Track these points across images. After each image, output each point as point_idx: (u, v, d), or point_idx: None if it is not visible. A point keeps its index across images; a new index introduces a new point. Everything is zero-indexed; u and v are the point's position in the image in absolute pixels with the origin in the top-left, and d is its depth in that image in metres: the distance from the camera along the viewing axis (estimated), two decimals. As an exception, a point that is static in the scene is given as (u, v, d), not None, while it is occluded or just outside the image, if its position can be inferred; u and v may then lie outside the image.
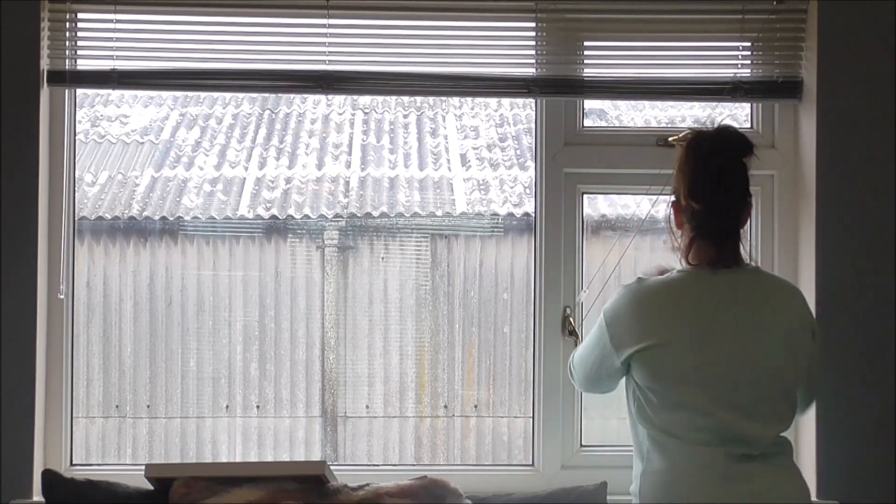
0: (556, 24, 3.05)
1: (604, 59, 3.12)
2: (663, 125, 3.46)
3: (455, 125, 4.30)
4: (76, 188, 3.16)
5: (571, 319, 3.10)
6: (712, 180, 2.52)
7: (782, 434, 2.54)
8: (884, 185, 3.03)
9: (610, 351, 2.56)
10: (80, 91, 3.17)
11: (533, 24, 3.06)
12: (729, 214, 2.54)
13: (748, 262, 2.60)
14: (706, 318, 2.51)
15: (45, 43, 2.99)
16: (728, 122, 3.25)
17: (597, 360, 2.62)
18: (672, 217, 2.63)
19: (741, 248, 2.59)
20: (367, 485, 2.43)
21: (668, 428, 2.49)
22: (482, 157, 4.18)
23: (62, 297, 3.05)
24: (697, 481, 2.45)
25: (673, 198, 2.62)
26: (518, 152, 4.21)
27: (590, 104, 3.23)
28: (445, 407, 3.74)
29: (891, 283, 3.02)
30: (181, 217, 3.88)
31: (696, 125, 3.11)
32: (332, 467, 2.55)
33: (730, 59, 3.09)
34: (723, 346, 2.48)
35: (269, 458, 3.74)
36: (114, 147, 4.15)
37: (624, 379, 2.62)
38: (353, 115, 4.25)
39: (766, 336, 2.50)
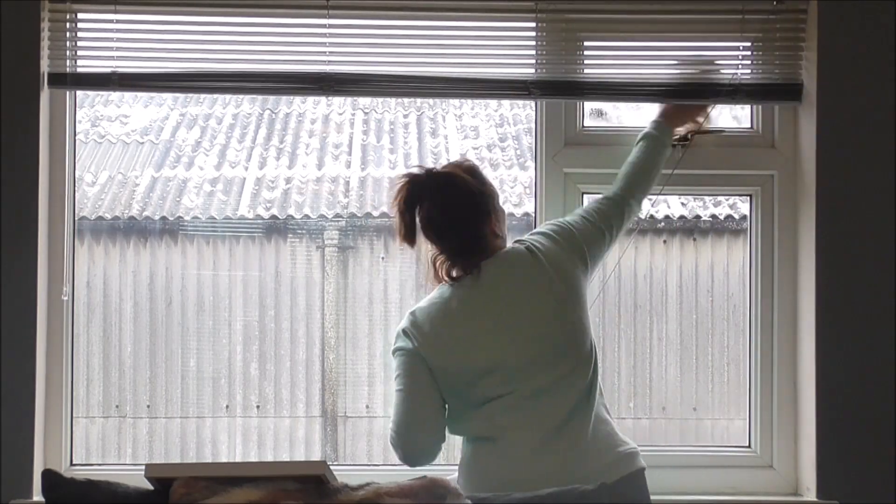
0: (556, 25, 3.05)
1: (604, 59, 3.12)
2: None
3: (455, 125, 4.30)
4: (76, 188, 3.16)
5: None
6: (437, 224, 2.71)
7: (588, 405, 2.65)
8: (884, 185, 3.03)
9: (414, 362, 2.68)
10: (80, 91, 3.17)
11: (533, 25, 3.06)
12: (468, 239, 2.71)
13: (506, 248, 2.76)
14: (469, 316, 2.67)
15: (45, 44, 2.99)
16: (729, 121, 3.26)
17: (412, 386, 2.68)
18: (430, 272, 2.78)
19: (490, 248, 2.73)
20: (368, 484, 2.43)
21: (480, 429, 2.65)
22: (482, 157, 4.18)
23: (66, 298, 3.05)
24: (509, 459, 2.61)
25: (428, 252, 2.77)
26: (518, 152, 4.21)
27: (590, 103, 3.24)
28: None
29: (891, 283, 3.02)
30: (181, 217, 3.88)
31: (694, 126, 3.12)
32: (332, 467, 2.55)
33: (730, 59, 3.09)
34: (490, 337, 2.65)
35: (269, 458, 3.74)
36: (114, 147, 4.15)
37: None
38: (353, 115, 4.25)
39: (528, 311, 2.66)
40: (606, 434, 2.67)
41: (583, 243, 2.78)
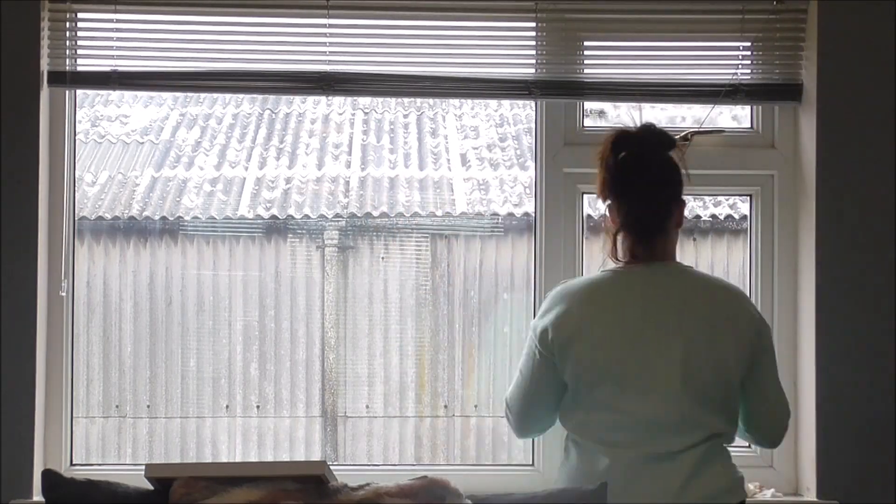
0: (556, 24, 3.05)
1: (604, 59, 3.12)
2: (663, 125, 3.46)
3: (455, 125, 4.30)
4: (76, 188, 3.16)
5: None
6: (632, 173, 2.54)
7: (719, 440, 2.54)
8: (884, 185, 3.03)
9: (540, 361, 2.57)
10: (80, 91, 3.17)
11: (533, 24, 3.06)
12: (651, 207, 2.54)
13: (682, 262, 2.62)
14: (626, 315, 2.52)
15: (45, 43, 2.99)
16: (728, 121, 3.26)
17: (532, 379, 2.60)
18: (607, 220, 2.63)
19: (671, 246, 2.59)
20: (368, 485, 2.43)
21: (584, 429, 2.53)
22: (482, 157, 4.18)
23: (63, 293, 3.05)
24: (611, 478, 2.48)
25: (609, 202, 2.61)
26: (518, 152, 4.21)
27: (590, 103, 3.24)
28: (445, 407, 3.73)
29: (891, 283, 3.02)
30: (181, 217, 3.88)
31: (695, 126, 3.12)
32: (332, 467, 2.55)
33: (730, 59, 3.09)
34: (643, 344, 2.49)
35: (269, 458, 3.74)
36: (114, 147, 4.15)
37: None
38: (353, 115, 4.25)
39: (688, 334, 2.49)
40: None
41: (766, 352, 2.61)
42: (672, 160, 2.60)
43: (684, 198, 2.63)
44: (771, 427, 2.67)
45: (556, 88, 3.07)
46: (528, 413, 2.65)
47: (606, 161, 2.58)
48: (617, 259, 2.61)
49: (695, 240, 3.69)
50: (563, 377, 2.55)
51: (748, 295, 2.75)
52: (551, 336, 2.54)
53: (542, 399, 2.61)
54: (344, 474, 2.73)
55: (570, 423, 2.59)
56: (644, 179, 2.55)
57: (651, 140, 2.59)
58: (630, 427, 2.48)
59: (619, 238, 2.59)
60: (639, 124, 2.64)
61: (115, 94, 4.20)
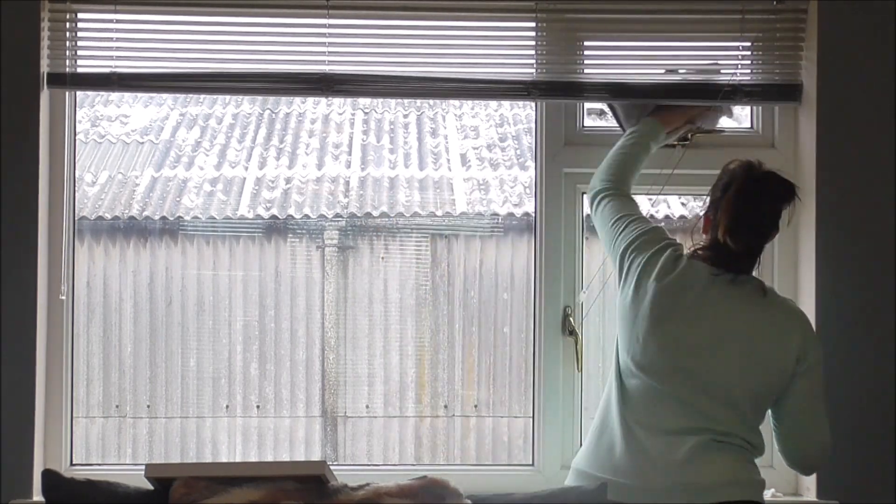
0: (556, 24, 3.05)
1: (604, 59, 3.11)
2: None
3: (455, 125, 4.31)
4: (76, 188, 3.16)
5: (571, 319, 3.10)
6: (749, 224, 2.63)
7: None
8: (884, 185, 3.03)
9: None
10: (79, 91, 3.17)
11: (533, 24, 3.06)
12: (754, 246, 2.67)
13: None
14: (700, 312, 2.61)
15: (45, 44, 2.99)
16: (728, 121, 3.26)
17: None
18: (701, 224, 2.75)
19: (756, 262, 2.70)
20: (367, 485, 2.43)
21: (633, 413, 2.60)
22: (482, 157, 4.18)
23: (63, 297, 3.05)
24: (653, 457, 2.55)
25: (706, 210, 2.73)
26: (518, 152, 4.21)
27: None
28: (445, 407, 3.74)
29: (891, 283, 3.02)
30: (181, 217, 3.88)
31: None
32: (332, 467, 2.55)
33: (730, 59, 3.09)
34: (703, 341, 2.59)
35: (269, 458, 3.74)
36: (114, 147, 4.15)
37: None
38: (353, 115, 4.25)
39: (747, 349, 2.59)
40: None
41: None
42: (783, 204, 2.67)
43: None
44: (803, 451, 2.70)
45: (556, 89, 3.07)
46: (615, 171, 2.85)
47: (726, 201, 2.65)
48: (708, 245, 2.69)
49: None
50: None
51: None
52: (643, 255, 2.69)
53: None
54: (344, 474, 2.73)
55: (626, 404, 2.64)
56: (757, 231, 2.65)
57: (777, 194, 2.65)
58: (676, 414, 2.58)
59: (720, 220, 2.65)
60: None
61: (115, 94, 4.20)
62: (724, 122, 3.20)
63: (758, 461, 3.07)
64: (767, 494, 3.06)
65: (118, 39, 3.02)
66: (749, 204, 2.62)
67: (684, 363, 2.58)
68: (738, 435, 2.59)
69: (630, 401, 2.63)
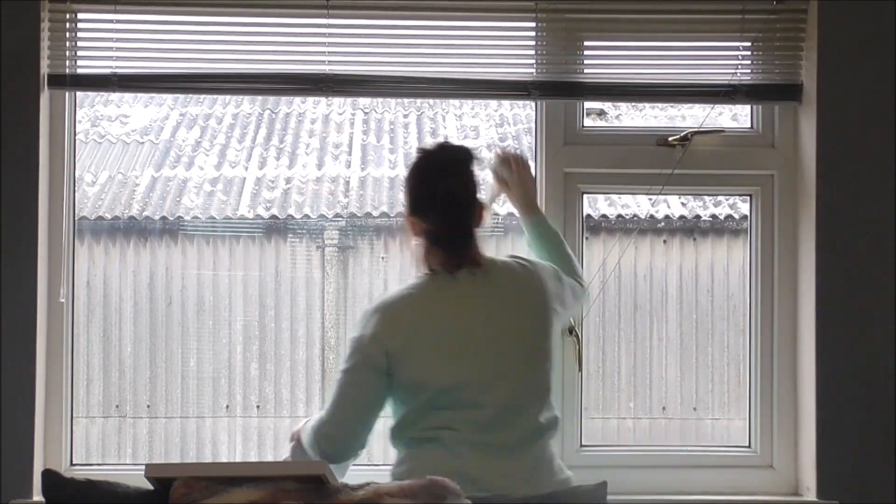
0: (556, 24, 3.05)
1: (604, 59, 3.12)
2: (663, 125, 3.46)
3: (455, 125, 4.30)
4: (76, 188, 3.16)
5: (571, 319, 3.10)
6: (434, 197, 2.64)
7: (549, 414, 2.67)
8: (884, 185, 3.03)
9: (367, 373, 2.62)
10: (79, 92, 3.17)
11: (533, 24, 3.06)
12: (456, 225, 2.65)
13: (488, 258, 2.71)
14: (449, 322, 2.62)
15: (45, 44, 2.99)
16: (728, 121, 3.26)
17: (357, 394, 2.65)
18: (409, 228, 2.72)
19: (477, 248, 2.69)
20: (367, 484, 2.43)
21: (426, 434, 2.60)
22: (482, 157, 4.18)
23: (63, 300, 3.05)
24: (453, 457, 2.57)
25: (406, 211, 2.72)
26: (518, 152, 4.20)
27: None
28: (445, 407, 3.73)
29: (891, 283, 3.02)
30: (181, 217, 3.88)
31: (694, 126, 3.12)
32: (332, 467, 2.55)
33: (730, 59, 3.09)
34: (468, 347, 2.60)
35: (269, 458, 3.74)
36: (114, 147, 4.15)
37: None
38: (353, 114, 4.25)
39: (510, 329, 2.63)
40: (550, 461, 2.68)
41: (565, 290, 2.80)
42: (470, 173, 2.68)
43: (482, 200, 2.72)
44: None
45: (556, 89, 3.07)
46: (356, 432, 2.69)
47: (407, 185, 2.71)
48: (428, 267, 2.69)
49: (695, 240, 3.69)
50: (382, 383, 2.62)
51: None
52: (383, 345, 2.60)
53: (366, 412, 2.67)
54: (344, 474, 2.74)
55: (414, 431, 2.64)
56: (446, 202, 2.65)
57: (448, 158, 2.69)
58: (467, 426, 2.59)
59: (429, 249, 2.68)
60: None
61: (115, 94, 4.20)
62: (725, 122, 3.21)
63: (758, 461, 3.09)
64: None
65: (118, 40, 3.02)
66: (425, 177, 2.67)
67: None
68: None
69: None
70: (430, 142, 2.74)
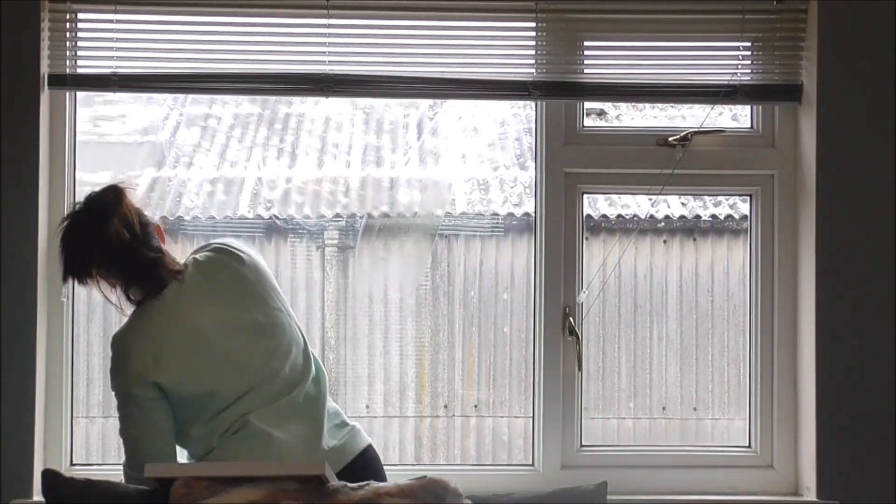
0: (556, 24, 3.05)
1: (603, 59, 3.12)
2: (663, 125, 3.46)
3: (455, 125, 4.30)
4: (76, 188, 3.16)
5: (571, 319, 3.10)
6: (93, 260, 2.63)
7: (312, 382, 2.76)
8: (884, 185, 3.03)
9: (146, 405, 2.63)
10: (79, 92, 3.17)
11: (533, 24, 3.06)
12: (136, 267, 2.65)
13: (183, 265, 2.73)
14: (182, 330, 2.65)
15: (45, 44, 2.99)
16: (728, 121, 3.26)
17: (146, 426, 2.65)
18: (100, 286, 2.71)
19: (169, 262, 2.70)
20: (367, 484, 2.43)
21: (209, 436, 2.63)
22: (482, 156, 4.18)
23: (64, 299, 3.05)
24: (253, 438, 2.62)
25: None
26: (518, 152, 4.20)
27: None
28: (445, 407, 3.73)
29: (891, 283, 3.02)
30: (181, 217, 3.87)
31: (694, 126, 3.12)
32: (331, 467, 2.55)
33: (730, 59, 3.09)
34: (210, 345, 2.64)
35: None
36: (114, 147, 4.15)
37: None
38: (353, 115, 4.25)
39: (234, 311, 2.69)
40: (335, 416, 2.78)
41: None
42: (124, 212, 2.64)
43: (149, 221, 2.72)
44: None
45: (556, 89, 3.07)
46: (169, 456, 2.69)
47: (72, 253, 2.66)
48: (132, 303, 2.71)
49: (695, 240, 3.69)
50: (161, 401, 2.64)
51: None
52: (145, 381, 2.63)
53: (164, 440, 2.67)
54: (344, 474, 2.74)
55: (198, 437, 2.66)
56: (101, 260, 2.64)
57: (85, 219, 2.65)
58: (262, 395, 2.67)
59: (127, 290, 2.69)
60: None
61: (115, 94, 4.20)
62: (725, 122, 3.21)
63: (758, 461, 3.09)
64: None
65: (118, 40, 3.02)
66: (64, 242, 2.65)
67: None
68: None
69: None
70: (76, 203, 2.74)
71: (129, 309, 2.72)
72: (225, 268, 2.75)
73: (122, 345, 2.68)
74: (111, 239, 2.61)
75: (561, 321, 3.12)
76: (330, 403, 2.81)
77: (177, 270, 2.71)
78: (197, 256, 2.78)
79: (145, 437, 2.64)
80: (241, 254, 2.78)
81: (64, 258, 2.66)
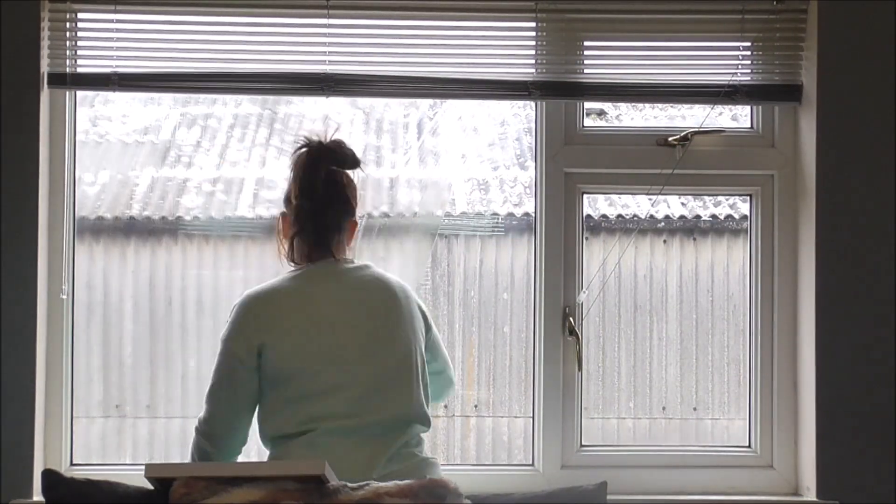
0: (556, 24, 3.05)
1: (603, 59, 3.12)
2: (663, 125, 3.46)
3: (455, 125, 4.30)
4: (76, 188, 3.16)
5: (571, 319, 3.10)
6: (309, 184, 2.70)
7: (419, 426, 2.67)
8: (884, 185, 3.03)
9: (239, 370, 2.65)
10: (79, 91, 3.17)
11: (533, 24, 3.06)
12: (324, 217, 2.71)
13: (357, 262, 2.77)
14: (312, 310, 2.65)
15: (45, 44, 2.99)
16: (728, 121, 3.26)
17: (230, 391, 2.68)
18: (280, 227, 2.79)
19: (343, 250, 2.75)
20: (367, 484, 2.43)
21: (293, 428, 2.60)
22: (482, 156, 4.18)
23: (64, 297, 3.05)
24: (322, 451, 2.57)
25: (283, 209, 2.78)
26: (518, 152, 4.20)
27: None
28: (445, 407, 3.73)
29: (891, 283, 3.02)
30: (181, 217, 3.87)
31: (694, 126, 3.12)
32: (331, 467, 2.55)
33: (730, 59, 3.09)
34: (330, 337, 2.62)
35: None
36: (114, 147, 4.15)
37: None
38: (353, 115, 4.25)
39: (368, 324, 2.65)
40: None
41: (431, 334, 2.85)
42: (348, 180, 2.77)
43: (357, 218, 2.82)
44: (447, 384, 2.96)
45: (556, 89, 3.07)
46: (235, 428, 2.71)
47: (292, 172, 2.78)
48: (293, 262, 2.76)
49: (695, 240, 3.69)
50: (254, 378, 2.65)
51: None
52: (243, 345, 2.64)
53: (243, 410, 2.70)
54: (344, 474, 2.74)
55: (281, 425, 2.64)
56: (317, 191, 2.71)
57: (326, 156, 2.74)
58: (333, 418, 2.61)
59: (296, 243, 2.74)
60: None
61: (114, 94, 4.20)
62: (725, 122, 3.21)
63: (758, 461, 3.09)
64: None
65: (118, 39, 3.03)
66: (306, 165, 2.73)
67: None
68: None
69: None
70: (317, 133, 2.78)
71: (287, 266, 2.75)
72: (386, 290, 2.73)
73: (249, 302, 2.70)
74: (338, 182, 2.72)
75: (561, 321, 3.12)
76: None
77: (344, 257, 2.75)
78: (377, 271, 2.79)
79: (226, 400, 2.68)
80: (416, 302, 2.79)
81: (302, 177, 2.71)
